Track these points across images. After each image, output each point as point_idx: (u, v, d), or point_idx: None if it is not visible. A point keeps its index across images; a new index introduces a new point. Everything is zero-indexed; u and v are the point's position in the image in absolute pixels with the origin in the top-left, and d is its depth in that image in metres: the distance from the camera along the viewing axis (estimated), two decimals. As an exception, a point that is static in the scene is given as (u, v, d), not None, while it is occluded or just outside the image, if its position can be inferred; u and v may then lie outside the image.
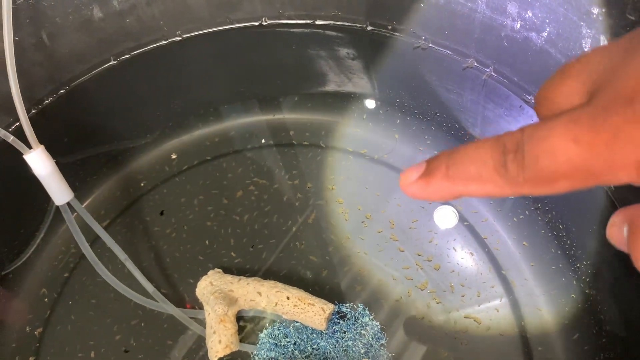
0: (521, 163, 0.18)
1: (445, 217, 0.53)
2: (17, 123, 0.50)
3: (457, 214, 0.53)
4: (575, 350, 0.45)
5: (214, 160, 0.59)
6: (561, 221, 0.49)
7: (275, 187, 0.57)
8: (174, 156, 0.59)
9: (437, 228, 0.52)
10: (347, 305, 0.49)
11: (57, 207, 0.50)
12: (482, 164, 0.20)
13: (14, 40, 0.44)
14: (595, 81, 0.19)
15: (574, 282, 0.47)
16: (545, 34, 0.43)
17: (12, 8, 0.44)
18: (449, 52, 0.51)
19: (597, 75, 0.19)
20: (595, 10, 0.38)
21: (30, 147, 0.46)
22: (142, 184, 0.58)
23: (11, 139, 0.45)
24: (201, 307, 0.49)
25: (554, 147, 0.17)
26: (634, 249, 0.18)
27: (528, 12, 0.43)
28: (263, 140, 0.60)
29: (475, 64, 0.50)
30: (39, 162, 0.46)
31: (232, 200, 0.56)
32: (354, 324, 0.47)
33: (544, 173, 0.18)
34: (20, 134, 0.45)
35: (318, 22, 0.54)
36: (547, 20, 0.42)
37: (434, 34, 0.51)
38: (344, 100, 0.60)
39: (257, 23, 0.55)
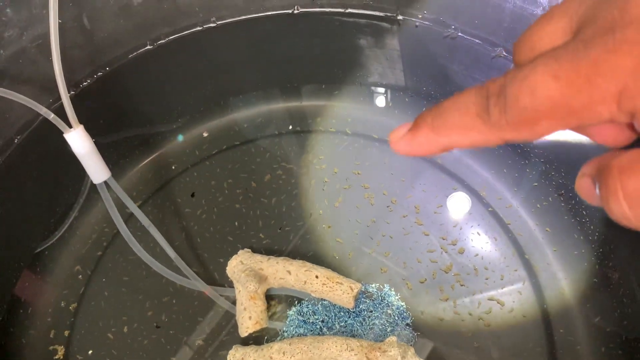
0: (503, 106, 0.18)
1: (460, 203, 0.54)
2: (56, 104, 0.51)
3: (470, 199, 0.54)
4: (597, 332, 0.46)
5: (243, 145, 0.60)
6: (584, 207, 0.50)
7: (303, 172, 0.58)
8: (205, 134, 0.61)
9: (462, 213, 0.54)
10: (374, 285, 0.50)
11: (91, 187, 0.51)
12: (465, 111, 0.19)
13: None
14: (579, 19, 0.19)
15: (596, 267, 0.48)
16: (574, 23, 0.44)
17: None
18: (478, 41, 0.52)
19: (581, 12, 0.19)
20: (626, 0, 0.40)
21: (70, 127, 0.47)
22: (173, 167, 0.59)
23: (52, 116, 0.47)
24: (230, 285, 0.51)
25: (534, 85, 0.17)
26: (606, 192, 0.17)
27: (559, 1, 0.44)
28: (290, 127, 0.61)
29: (504, 53, 0.52)
30: (78, 141, 0.47)
31: (261, 184, 0.58)
32: (380, 304, 0.49)
33: (524, 113, 0.17)
34: (59, 114, 0.46)
35: (349, 10, 0.55)
36: (577, 10, 0.43)
37: (464, 23, 0.52)
38: (370, 88, 0.62)
39: (289, 11, 0.56)
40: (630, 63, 0.16)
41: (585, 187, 0.20)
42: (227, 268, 0.50)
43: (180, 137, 0.60)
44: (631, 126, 0.18)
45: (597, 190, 0.18)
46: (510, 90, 0.18)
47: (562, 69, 0.17)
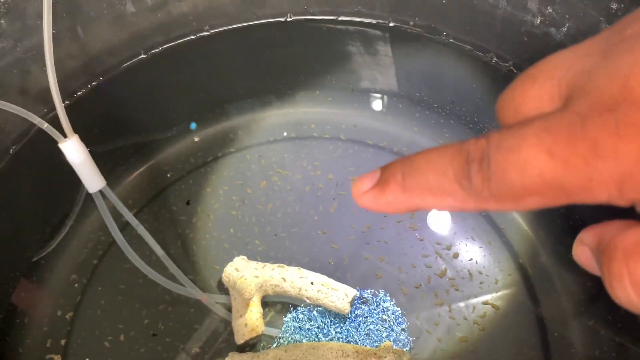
0: (487, 175, 0.16)
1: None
2: (51, 114, 0.51)
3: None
4: (591, 335, 0.47)
5: (238, 152, 0.61)
6: (577, 212, 0.50)
7: (298, 178, 0.58)
8: (196, 139, 0.61)
9: (456, 218, 0.54)
10: (369, 291, 0.50)
11: (86, 195, 0.51)
12: (442, 174, 0.17)
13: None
14: (568, 85, 0.17)
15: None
16: (564, 29, 0.45)
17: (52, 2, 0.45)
18: (469, 47, 0.52)
19: (570, 78, 0.17)
20: (615, 6, 0.40)
21: (65, 136, 0.48)
22: (168, 175, 0.60)
23: (45, 126, 0.47)
24: (226, 293, 0.51)
25: (525, 160, 0.15)
26: (609, 274, 0.16)
27: (548, 7, 0.45)
28: (285, 133, 0.62)
29: (495, 59, 0.52)
30: (73, 150, 0.48)
31: (256, 191, 0.58)
32: (375, 309, 0.49)
33: (512, 188, 0.16)
34: (54, 124, 0.46)
35: (342, 18, 0.55)
36: (567, 16, 0.44)
37: (456, 30, 0.52)
38: (364, 94, 0.62)
39: (282, 19, 0.56)
40: (636, 149, 0.14)
41: (584, 257, 0.19)
42: (223, 275, 0.51)
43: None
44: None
45: (598, 265, 0.17)
46: (495, 160, 0.16)
47: (557, 144, 0.15)
